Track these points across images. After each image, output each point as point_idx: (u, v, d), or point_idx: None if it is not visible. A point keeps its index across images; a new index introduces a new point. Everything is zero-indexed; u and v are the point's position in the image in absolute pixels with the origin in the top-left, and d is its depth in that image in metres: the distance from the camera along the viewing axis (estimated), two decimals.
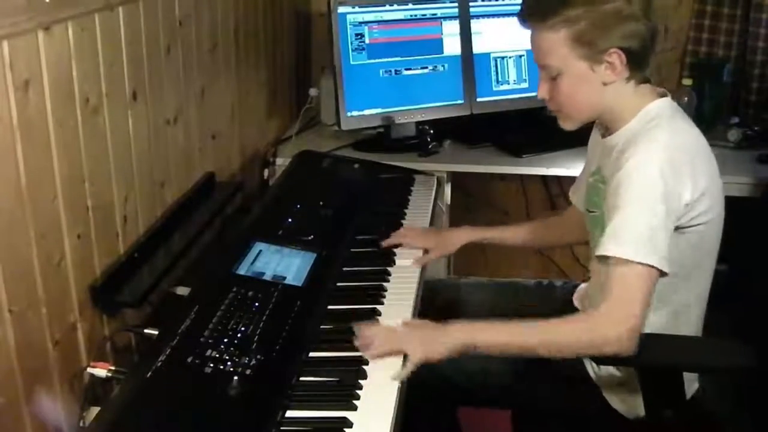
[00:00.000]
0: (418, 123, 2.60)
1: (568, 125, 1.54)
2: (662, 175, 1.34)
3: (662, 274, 1.34)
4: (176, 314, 1.44)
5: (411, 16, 2.58)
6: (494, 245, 1.97)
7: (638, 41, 1.40)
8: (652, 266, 1.32)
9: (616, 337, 1.33)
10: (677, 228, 1.39)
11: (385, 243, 1.83)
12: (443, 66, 2.63)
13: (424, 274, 1.77)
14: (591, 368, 1.58)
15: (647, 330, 1.46)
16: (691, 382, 1.58)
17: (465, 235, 1.91)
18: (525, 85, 2.72)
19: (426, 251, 1.84)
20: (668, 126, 1.43)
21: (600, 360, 1.48)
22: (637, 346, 1.33)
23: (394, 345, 1.40)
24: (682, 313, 1.52)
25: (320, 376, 1.34)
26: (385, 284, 1.66)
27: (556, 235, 1.92)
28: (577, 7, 1.39)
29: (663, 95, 1.49)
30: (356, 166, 2.31)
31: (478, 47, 2.65)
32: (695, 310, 1.55)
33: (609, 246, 1.35)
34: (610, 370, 1.55)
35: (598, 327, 1.36)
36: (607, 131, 1.53)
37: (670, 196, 1.35)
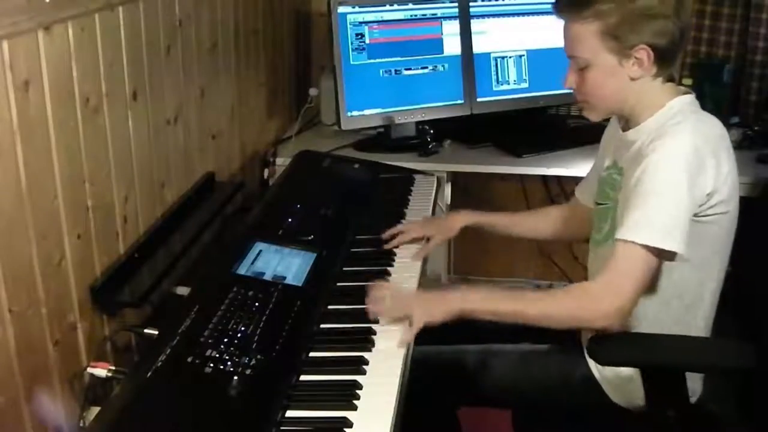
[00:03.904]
0: (418, 123, 2.60)
1: (592, 116, 1.57)
2: (688, 166, 1.38)
3: (671, 257, 1.38)
4: (176, 314, 1.44)
5: (411, 16, 2.58)
6: (494, 244, 1.97)
7: (667, 39, 1.43)
8: (670, 251, 1.37)
9: (605, 314, 1.39)
10: (697, 216, 1.42)
11: (385, 234, 1.85)
12: (443, 66, 2.63)
13: (424, 275, 1.77)
14: (594, 367, 1.58)
15: (661, 323, 1.50)
16: (694, 389, 1.57)
17: (463, 218, 1.92)
18: (525, 85, 2.72)
19: (427, 241, 1.85)
20: (693, 118, 1.47)
21: (602, 361, 1.48)
22: (621, 322, 1.40)
23: (400, 311, 1.50)
24: (696, 307, 1.53)
25: (320, 376, 1.34)
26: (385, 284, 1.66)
27: (555, 228, 1.91)
28: (609, 1, 1.42)
29: (686, 93, 1.52)
30: (356, 166, 2.31)
31: (478, 47, 2.64)
32: (707, 305, 1.55)
33: (630, 232, 1.38)
34: (613, 368, 1.56)
35: (590, 301, 1.42)
36: (628, 125, 1.56)
37: (694, 186, 1.38)
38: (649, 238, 1.36)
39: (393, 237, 1.85)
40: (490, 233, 1.95)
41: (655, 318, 1.50)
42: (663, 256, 1.39)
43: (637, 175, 1.41)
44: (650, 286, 1.44)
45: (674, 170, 1.38)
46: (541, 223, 1.92)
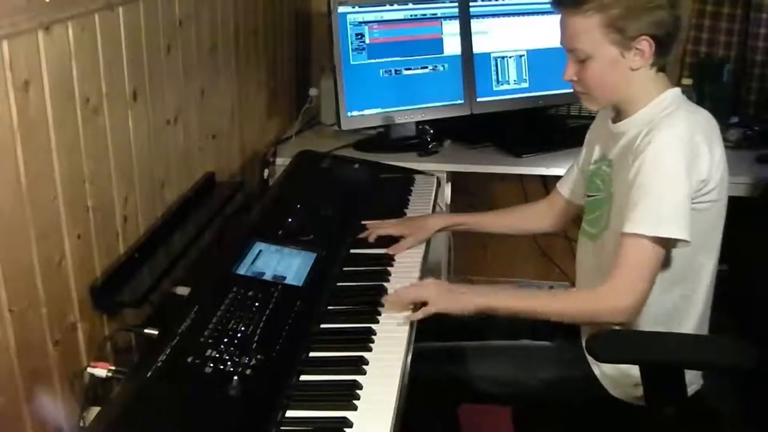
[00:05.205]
0: (418, 123, 2.60)
1: (592, 106, 1.62)
2: (684, 153, 1.42)
3: (675, 243, 1.43)
4: (176, 314, 1.44)
5: (411, 15, 2.58)
6: (495, 245, 1.98)
7: (665, 30, 1.47)
8: (676, 239, 1.41)
9: (617, 310, 1.44)
10: (693, 201, 1.45)
11: (361, 236, 1.85)
12: (443, 66, 2.63)
13: (424, 275, 1.76)
14: (593, 363, 1.58)
15: (660, 312, 1.53)
16: (694, 380, 1.58)
17: (439, 221, 1.92)
18: (525, 85, 2.71)
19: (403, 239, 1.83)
20: (684, 108, 1.51)
21: (601, 358, 1.48)
22: (635, 317, 1.45)
23: (417, 293, 1.53)
24: (693, 298, 1.56)
25: (320, 376, 1.34)
26: (385, 284, 1.66)
27: (530, 223, 1.95)
28: None
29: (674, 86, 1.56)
30: (356, 166, 2.31)
31: (478, 47, 2.64)
32: (701, 299, 1.57)
33: (636, 225, 1.42)
34: (613, 365, 1.56)
35: (605, 298, 1.46)
36: (618, 116, 1.58)
37: (691, 172, 1.42)
38: (655, 229, 1.40)
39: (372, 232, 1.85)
40: (475, 231, 1.99)
41: (656, 306, 1.52)
42: (669, 244, 1.43)
43: (636, 168, 1.44)
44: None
45: (672, 159, 1.42)
46: (515, 220, 1.96)
